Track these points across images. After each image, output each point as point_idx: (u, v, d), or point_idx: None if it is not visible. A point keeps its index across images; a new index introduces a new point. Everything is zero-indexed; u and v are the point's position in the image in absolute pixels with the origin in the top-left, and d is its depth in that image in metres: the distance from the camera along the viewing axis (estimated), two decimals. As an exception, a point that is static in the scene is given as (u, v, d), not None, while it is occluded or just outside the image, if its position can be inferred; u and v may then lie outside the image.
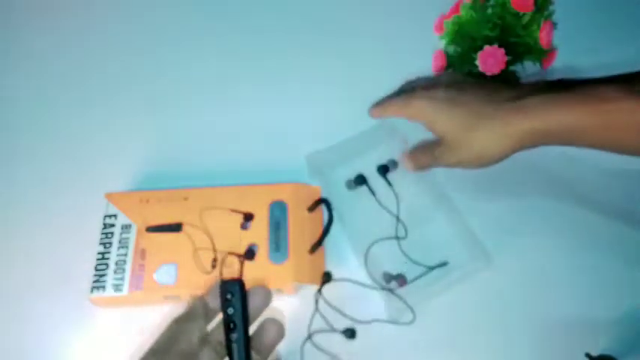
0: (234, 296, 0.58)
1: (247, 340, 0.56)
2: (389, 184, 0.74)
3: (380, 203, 0.73)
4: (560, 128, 0.56)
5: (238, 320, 0.56)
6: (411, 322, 0.65)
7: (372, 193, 0.74)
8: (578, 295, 0.69)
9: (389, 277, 0.68)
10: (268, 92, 0.88)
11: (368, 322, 0.66)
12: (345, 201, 0.74)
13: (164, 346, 0.54)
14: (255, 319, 0.58)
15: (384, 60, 0.91)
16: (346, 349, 0.64)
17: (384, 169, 0.75)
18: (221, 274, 0.64)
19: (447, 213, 0.73)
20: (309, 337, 0.64)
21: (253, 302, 0.58)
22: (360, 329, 0.66)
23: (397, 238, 0.71)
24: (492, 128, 0.59)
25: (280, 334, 0.57)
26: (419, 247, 0.70)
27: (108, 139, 0.83)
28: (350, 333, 0.65)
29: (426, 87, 0.66)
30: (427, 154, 0.66)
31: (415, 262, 0.69)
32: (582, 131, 0.56)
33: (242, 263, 0.65)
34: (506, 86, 0.62)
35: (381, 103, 0.69)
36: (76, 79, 0.90)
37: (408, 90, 0.68)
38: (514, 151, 0.60)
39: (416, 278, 0.68)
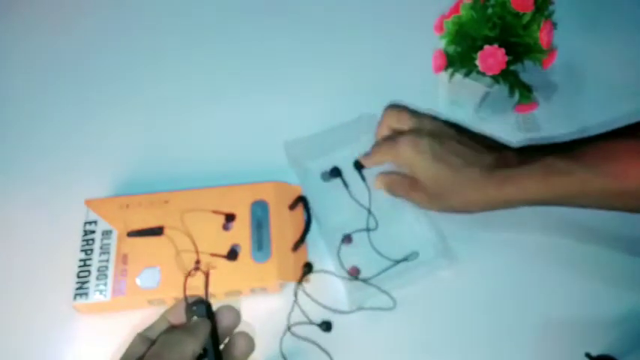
0: None
1: None
2: (363, 178, 0.75)
3: (352, 196, 0.75)
4: (529, 199, 0.63)
5: (208, 345, 0.53)
6: (391, 308, 0.68)
7: (346, 185, 0.76)
8: (578, 295, 0.70)
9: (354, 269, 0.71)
10: (246, 92, 0.89)
11: (346, 313, 0.68)
12: (319, 192, 0.76)
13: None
14: (224, 338, 0.56)
15: (383, 60, 0.93)
16: (324, 339, 0.67)
17: (360, 165, 0.75)
18: (185, 292, 0.60)
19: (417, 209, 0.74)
20: (289, 328, 0.66)
21: (222, 323, 0.56)
22: (338, 320, 0.68)
23: (368, 230, 0.73)
24: (469, 193, 0.64)
25: (250, 346, 0.56)
26: (388, 241, 0.73)
27: (86, 145, 0.84)
28: (326, 326, 0.67)
29: (410, 132, 0.68)
30: (403, 187, 0.70)
31: (383, 256, 0.72)
32: (547, 200, 0.63)
33: (207, 279, 0.65)
34: (483, 148, 0.65)
35: (369, 153, 0.72)
36: (53, 84, 0.91)
37: (393, 136, 0.69)
38: (487, 210, 0.65)
39: (383, 270, 0.70)
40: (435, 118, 0.69)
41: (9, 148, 0.85)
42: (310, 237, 0.73)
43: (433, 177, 0.65)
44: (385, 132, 0.71)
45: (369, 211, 0.74)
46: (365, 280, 0.69)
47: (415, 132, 0.67)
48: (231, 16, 0.99)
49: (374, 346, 0.67)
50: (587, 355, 0.64)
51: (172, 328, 0.55)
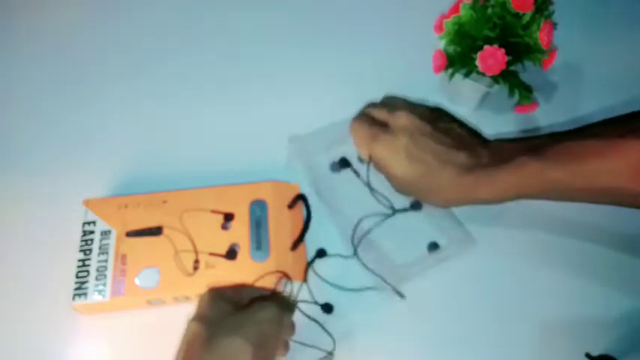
0: None
1: None
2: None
3: (365, 184, 0.75)
4: (503, 197, 0.66)
5: None
6: (401, 299, 0.70)
7: (357, 174, 0.77)
8: (578, 295, 0.71)
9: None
10: (244, 91, 0.90)
11: (357, 291, 0.71)
12: (330, 184, 0.78)
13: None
14: None
15: (383, 60, 0.93)
16: (328, 320, 0.69)
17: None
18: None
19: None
20: (295, 304, 0.67)
21: None
22: (345, 303, 0.70)
23: (380, 215, 0.75)
24: (444, 192, 0.67)
25: None
26: (405, 228, 0.75)
27: (85, 145, 0.85)
28: (327, 308, 0.69)
29: (385, 130, 0.69)
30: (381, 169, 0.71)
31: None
32: (520, 198, 0.65)
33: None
34: (458, 145, 0.67)
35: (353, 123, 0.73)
36: (52, 85, 0.92)
37: (371, 129, 0.70)
38: (462, 206, 0.70)
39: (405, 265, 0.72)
40: (410, 110, 0.69)
41: (7, 149, 0.85)
42: (322, 225, 0.75)
43: (408, 176, 0.67)
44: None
45: (386, 198, 0.75)
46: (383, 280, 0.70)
47: (390, 130, 0.69)
48: (230, 15, 1.00)
49: (377, 332, 0.69)
50: (587, 355, 0.65)
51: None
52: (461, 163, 0.65)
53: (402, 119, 0.68)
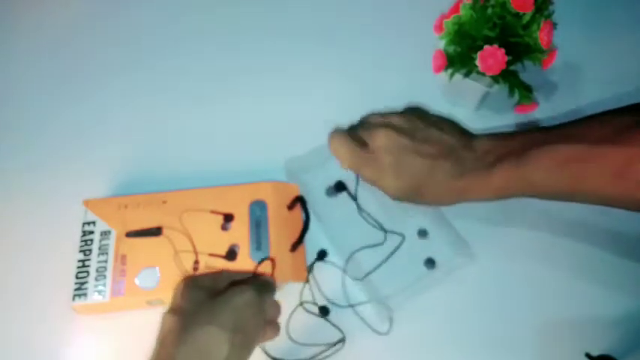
0: None
1: None
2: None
3: (361, 209, 0.76)
4: (489, 199, 0.66)
5: None
6: (387, 332, 0.70)
7: (353, 198, 0.77)
8: (578, 296, 0.71)
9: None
10: (244, 93, 0.90)
11: (345, 307, 0.71)
12: (327, 209, 0.77)
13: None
14: None
15: (383, 60, 0.93)
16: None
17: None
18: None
19: (428, 212, 0.76)
20: (301, 304, 0.70)
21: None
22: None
23: (376, 246, 0.75)
24: (436, 195, 0.67)
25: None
26: (402, 249, 0.75)
27: (84, 145, 0.85)
28: (324, 311, 0.70)
29: (368, 152, 0.68)
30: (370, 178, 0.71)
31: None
32: (505, 198, 0.65)
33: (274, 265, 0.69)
34: (440, 153, 0.66)
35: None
36: (52, 85, 0.92)
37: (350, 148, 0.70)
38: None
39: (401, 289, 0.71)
40: (386, 126, 0.69)
41: (7, 149, 0.85)
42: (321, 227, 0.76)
43: (399, 191, 0.67)
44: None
45: (382, 227, 0.76)
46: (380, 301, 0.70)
47: (370, 149, 0.68)
48: (232, 17, 1.00)
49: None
50: (587, 355, 0.65)
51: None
52: (447, 172, 0.66)
53: (380, 139, 0.68)
